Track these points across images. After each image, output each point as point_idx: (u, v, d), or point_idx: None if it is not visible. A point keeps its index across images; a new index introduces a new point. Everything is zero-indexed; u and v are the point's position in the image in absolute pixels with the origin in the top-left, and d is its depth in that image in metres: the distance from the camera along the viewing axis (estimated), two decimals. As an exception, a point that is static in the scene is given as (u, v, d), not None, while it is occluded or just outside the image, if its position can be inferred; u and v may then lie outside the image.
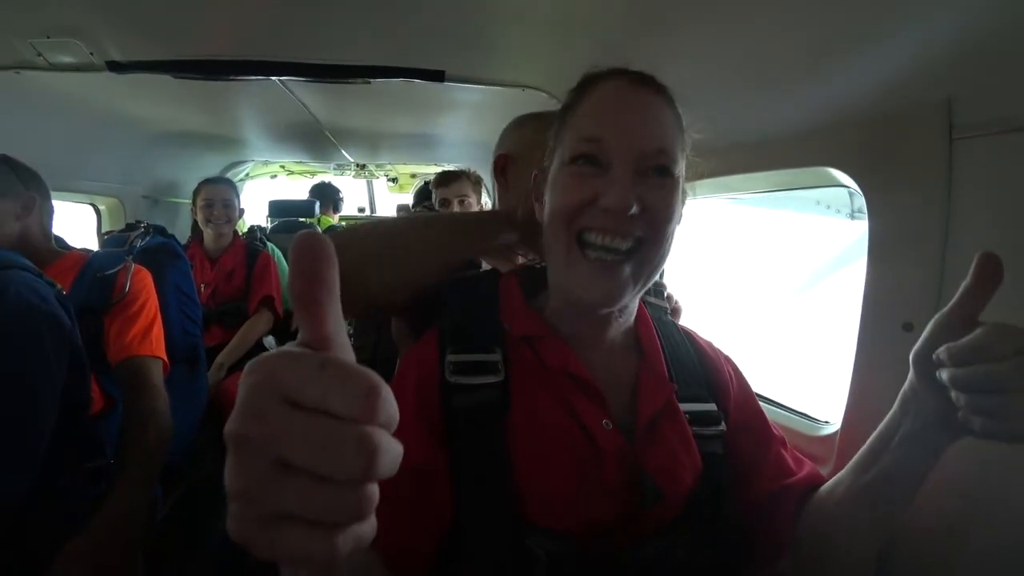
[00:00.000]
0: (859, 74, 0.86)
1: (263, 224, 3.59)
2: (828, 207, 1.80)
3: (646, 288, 0.72)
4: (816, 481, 0.76)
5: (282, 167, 4.06)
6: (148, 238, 1.66)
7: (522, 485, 0.64)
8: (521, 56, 1.55)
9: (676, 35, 1.09)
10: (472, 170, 2.46)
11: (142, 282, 1.45)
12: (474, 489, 0.64)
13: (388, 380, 0.87)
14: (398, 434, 0.66)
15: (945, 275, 0.76)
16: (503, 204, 1.00)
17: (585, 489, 0.65)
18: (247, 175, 3.91)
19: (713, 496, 0.71)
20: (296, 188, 4.43)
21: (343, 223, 4.22)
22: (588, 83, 0.71)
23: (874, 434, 0.65)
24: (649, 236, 0.66)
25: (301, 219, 3.62)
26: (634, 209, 0.63)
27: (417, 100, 2.10)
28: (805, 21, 0.88)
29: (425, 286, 0.81)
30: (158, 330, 1.45)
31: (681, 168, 0.68)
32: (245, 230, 3.02)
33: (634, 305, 0.78)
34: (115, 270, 1.41)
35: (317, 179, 4.25)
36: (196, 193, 2.49)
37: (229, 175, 3.50)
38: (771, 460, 0.78)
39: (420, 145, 3.28)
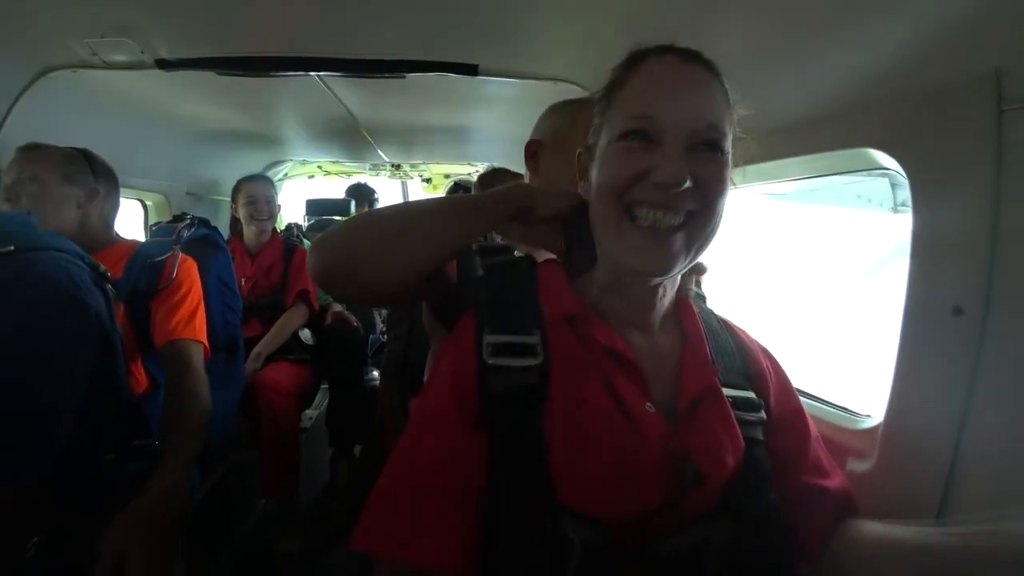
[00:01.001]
0: (898, 45, 0.83)
1: (300, 222, 3.67)
2: (870, 201, 1.75)
3: (694, 261, 0.70)
4: (847, 494, 0.75)
5: (319, 167, 4.15)
6: (193, 229, 1.72)
7: (559, 470, 0.63)
8: (554, 48, 1.56)
9: (710, 19, 1.08)
10: (510, 170, 2.46)
11: (188, 270, 1.51)
12: (510, 473, 0.64)
13: (421, 369, 0.88)
14: (435, 422, 0.68)
15: (996, 258, 0.72)
16: None
17: (625, 474, 0.64)
18: (286, 175, 4.01)
19: (754, 482, 0.69)
20: (333, 188, 4.52)
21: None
22: (636, 60, 0.71)
23: (960, 532, 0.58)
24: (701, 210, 0.65)
25: (337, 217, 3.70)
26: (687, 184, 0.62)
27: (451, 95, 2.13)
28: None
29: (426, 269, 0.78)
30: (201, 316, 1.50)
31: (730, 144, 0.68)
32: (283, 227, 3.11)
33: (678, 283, 0.77)
34: (163, 257, 1.48)
35: (353, 179, 4.33)
36: (237, 190, 2.57)
37: (268, 174, 3.60)
38: (810, 456, 0.76)
39: (453, 143, 3.32)
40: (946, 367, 0.76)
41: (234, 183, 2.66)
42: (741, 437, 0.70)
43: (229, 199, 2.79)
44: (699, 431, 0.68)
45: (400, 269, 0.76)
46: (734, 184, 0.71)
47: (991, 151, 0.71)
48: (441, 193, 4.49)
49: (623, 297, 0.74)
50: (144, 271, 1.44)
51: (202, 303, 1.52)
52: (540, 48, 1.55)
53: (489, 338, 0.69)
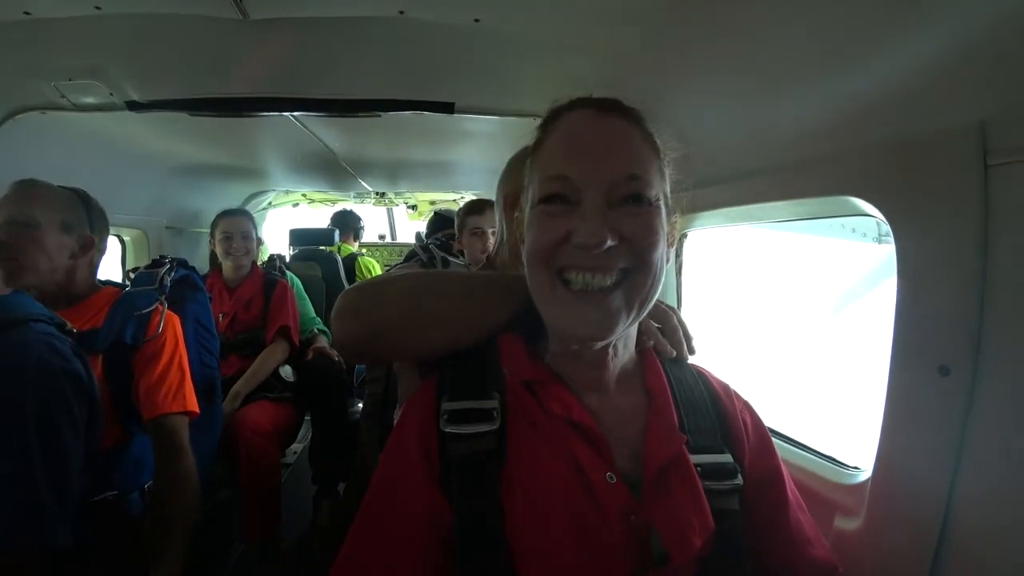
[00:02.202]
0: (883, 94, 0.82)
1: (284, 253, 3.63)
2: (853, 231, 1.74)
3: (639, 318, 0.68)
4: (832, 565, 0.72)
5: (303, 195, 4.13)
6: (174, 273, 1.68)
7: (518, 541, 0.60)
8: (530, 86, 1.55)
9: (686, 58, 1.07)
10: (485, 199, 2.45)
11: (173, 325, 1.47)
12: (468, 542, 0.61)
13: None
14: (402, 482, 0.65)
15: (984, 314, 0.70)
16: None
17: (585, 548, 0.61)
18: (269, 204, 3.99)
19: (729, 558, 0.66)
20: (317, 216, 4.50)
21: (364, 250, 4.28)
22: (553, 118, 0.69)
23: None
24: (635, 265, 0.63)
25: (322, 247, 3.66)
26: (609, 242, 0.60)
27: (429, 130, 2.12)
28: (819, 34, 0.84)
29: (449, 350, 0.76)
30: (188, 383, 1.48)
31: (660, 191, 0.66)
32: (265, 259, 3.07)
33: (631, 342, 0.75)
34: (149, 310, 1.43)
35: (338, 207, 4.31)
36: (214, 225, 2.52)
37: (251, 204, 3.57)
38: (791, 523, 0.73)
39: (436, 174, 3.32)
40: (934, 426, 0.73)
41: (214, 214, 2.62)
42: (710, 513, 0.66)
43: (206, 231, 2.75)
44: (665, 504, 0.65)
45: (425, 351, 0.77)
46: (704, 224, 0.69)
47: (977, 206, 0.69)
48: (423, 221, 4.47)
49: (575, 361, 0.71)
50: (129, 323, 1.40)
51: (186, 363, 1.48)
52: (516, 86, 1.55)
53: (447, 405, 0.67)
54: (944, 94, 0.74)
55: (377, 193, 4.03)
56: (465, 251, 2.33)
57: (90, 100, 1.58)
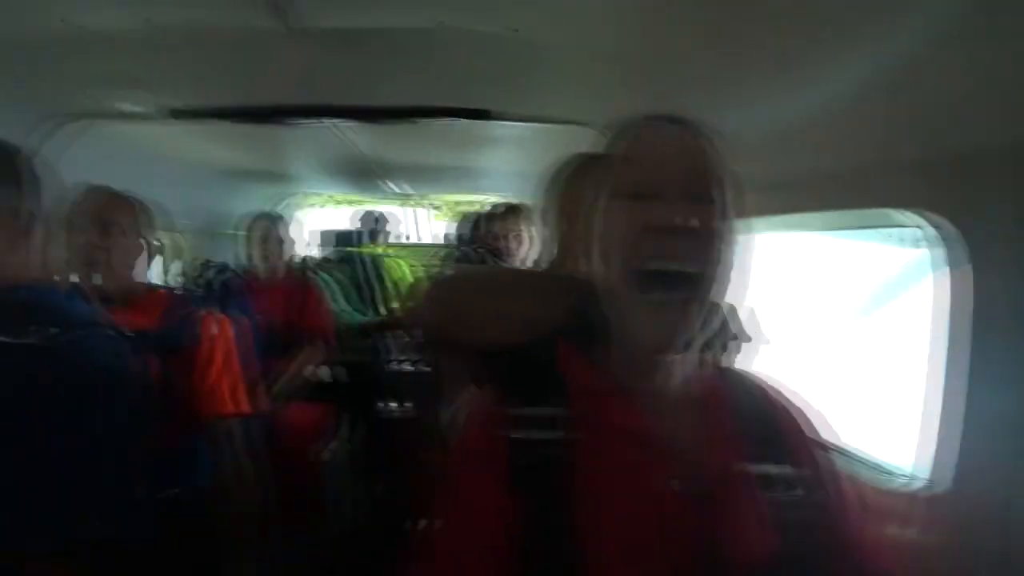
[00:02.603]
0: (957, 100, 0.80)
1: (311, 254, 3.67)
2: (890, 236, 1.71)
3: (706, 331, 0.68)
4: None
5: (329, 197, 4.18)
6: (221, 276, 1.72)
7: (583, 549, 0.61)
8: (566, 92, 1.57)
9: (731, 63, 1.07)
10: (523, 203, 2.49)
11: (224, 330, 1.49)
12: (533, 552, 0.62)
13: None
14: (468, 489, 0.67)
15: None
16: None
17: (648, 557, 0.62)
18: (295, 205, 4.04)
19: (789, 568, 0.66)
20: (343, 216, 4.55)
21: (389, 251, 4.31)
22: (630, 127, 0.72)
23: None
24: (705, 272, 0.64)
25: (348, 248, 3.69)
26: (692, 222, 0.62)
27: (460, 135, 2.15)
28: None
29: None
30: (241, 384, 1.49)
31: (727, 200, 0.66)
32: (296, 261, 3.11)
33: (696, 352, 0.75)
34: (201, 312, 1.46)
35: (363, 208, 4.34)
36: (249, 228, 2.57)
37: (280, 207, 3.63)
38: (853, 535, 0.72)
39: (463, 177, 3.35)
40: (1002, 435, 0.73)
41: (244, 217, 2.67)
42: (774, 522, 0.66)
43: (240, 233, 2.80)
44: (727, 513, 0.65)
45: (493, 340, 0.79)
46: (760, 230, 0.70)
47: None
48: (450, 222, 4.49)
49: (639, 369, 0.71)
50: (183, 325, 1.42)
51: (236, 365, 1.51)
52: (552, 92, 1.56)
53: (512, 410, 0.68)
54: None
55: (402, 195, 4.06)
56: (504, 253, 2.36)
57: (136, 109, 1.62)
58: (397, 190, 3.75)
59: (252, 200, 3.28)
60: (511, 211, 2.35)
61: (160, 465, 1.26)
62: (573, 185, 1.09)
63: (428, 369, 3.18)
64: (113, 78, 1.51)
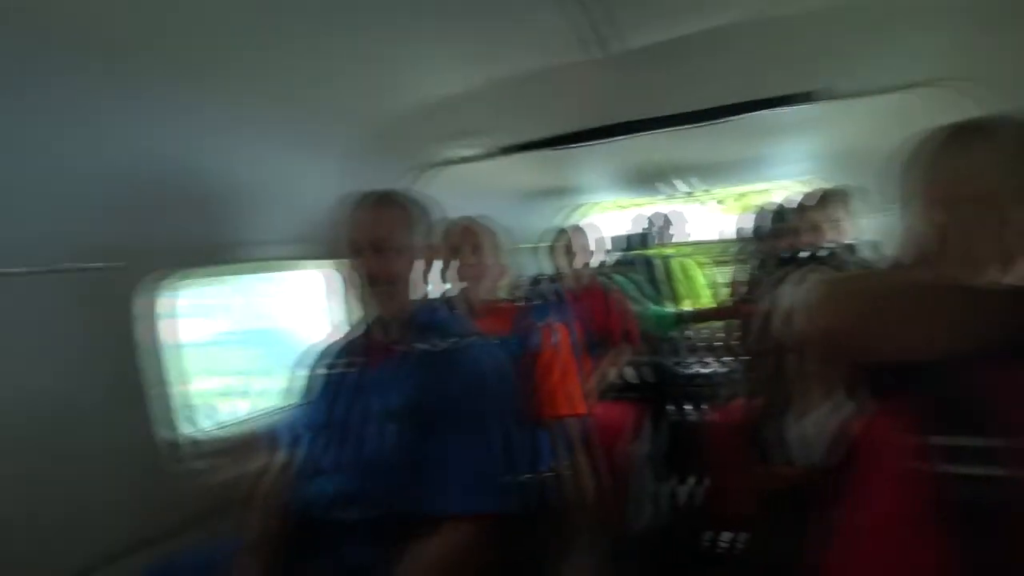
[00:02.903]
0: None
1: (607, 260, 3.83)
2: None
3: None
4: None
5: (614, 202, 4.31)
6: (555, 288, 1.93)
7: None
8: (915, 55, 1.35)
9: None
10: (842, 187, 2.23)
11: (564, 337, 1.68)
12: None
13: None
14: (891, 524, 0.61)
15: None
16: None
17: None
18: (583, 214, 4.27)
19: None
20: (627, 219, 4.66)
21: (679, 250, 4.25)
22: None
23: None
24: None
25: (638, 250, 3.76)
26: None
27: (755, 125, 2.02)
28: None
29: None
30: (578, 388, 1.68)
31: None
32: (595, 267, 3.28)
33: None
34: (546, 322, 1.65)
35: (649, 209, 4.37)
36: (556, 240, 2.80)
37: (573, 217, 3.88)
38: None
39: (750, 166, 3.17)
40: None
41: (543, 231, 2.91)
42: None
43: (540, 246, 3.05)
44: None
45: (892, 354, 0.72)
46: None
47: None
48: (739, 216, 4.23)
49: None
50: (528, 333, 1.63)
51: (574, 370, 1.68)
52: (897, 57, 1.36)
53: (940, 439, 0.60)
54: None
55: (685, 193, 3.98)
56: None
57: (474, 152, 1.92)
58: (681, 189, 3.70)
59: (546, 213, 3.59)
60: (830, 197, 2.10)
61: (519, 453, 1.46)
62: (956, 163, 0.88)
63: (726, 371, 3.06)
64: (459, 129, 1.82)
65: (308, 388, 1.43)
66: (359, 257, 1.26)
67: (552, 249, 2.82)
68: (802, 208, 2.19)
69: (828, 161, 2.80)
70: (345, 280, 1.31)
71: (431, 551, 1.12)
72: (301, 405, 1.43)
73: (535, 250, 3.55)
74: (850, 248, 1.92)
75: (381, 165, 1.86)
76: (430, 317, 1.35)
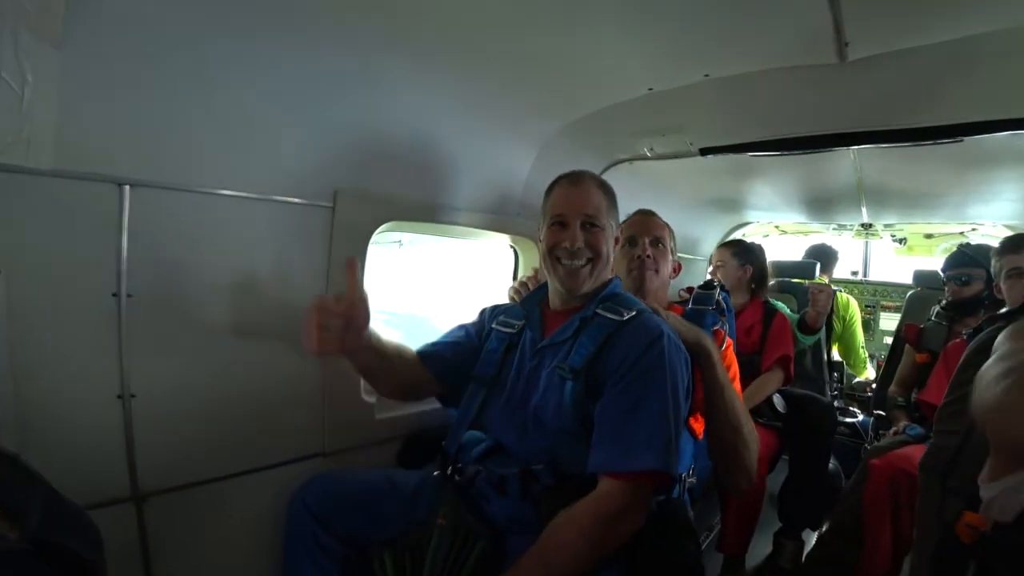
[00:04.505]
0: None
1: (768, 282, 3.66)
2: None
3: None
4: None
5: (776, 227, 4.10)
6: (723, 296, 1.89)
7: None
8: None
9: None
10: None
11: (729, 345, 1.65)
12: None
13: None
14: None
15: None
16: None
17: None
18: (743, 235, 4.10)
19: None
20: (791, 244, 4.41)
21: (834, 286, 3.96)
22: None
23: None
24: None
25: (796, 280, 3.55)
26: None
27: (969, 154, 1.85)
28: None
29: None
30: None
31: None
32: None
33: None
34: (715, 327, 1.62)
35: (814, 239, 4.11)
36: (725, 250, 2.72)
37: (734, 235, 3.75)
38: None
39: (944, 202, 2.88)
40: None
41: (705, 243, 2.84)
42: None
43: (700, 258, 2.99)
44: None
45: None
46: None
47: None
48: (930, 258, 3.83)
49: None
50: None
51: (735, 378, 1.63)
52: None
53: None
54: None
55: (863, 225, 3.68)
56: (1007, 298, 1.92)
57: (670, 151, 1.94)
58: (858, 220, 3.43)
59: (711, 227, 3.50)
60: (1011, 244, 1.89)
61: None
62: None
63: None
64: (663, 127, 1.84)
65: (467, 337, 1.52)
66: (567, 229, 1.33)
67: (718, 260, 2.76)
68: (1003, 250, 1.96)
69: None
70: (543, 249, 1.39)
71: (588, 507, 1.15)
72: (456, 339, 1.53)
73: (692, 261, 3.49)
74: None
75: (575, 153, 1.94)
76: (614, 292, 1.40)
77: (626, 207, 1.68)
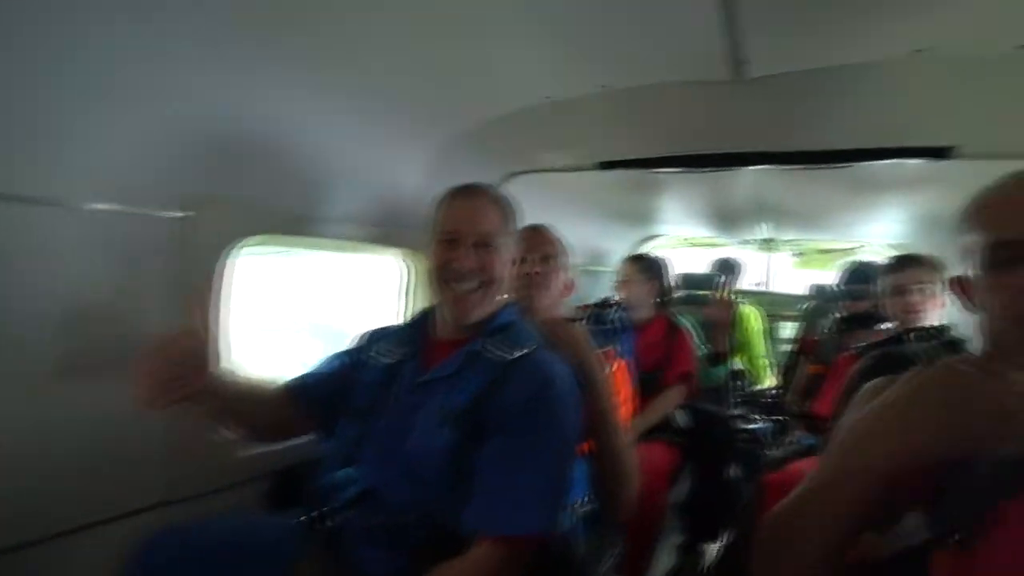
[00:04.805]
0: None
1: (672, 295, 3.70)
2: None
3: None
4: None
5: (685, 240, 4.18)
6: (620, 314, 1.83)
7: None
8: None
9: None
10: (929, 254, 2.10)
11: (621, 370, 1.57)
12: None
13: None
14: None
15: None
16: None
17: None
18: (652, 247, 4.16)
19: None
20: (694, 258, 4.50)
21: (738, 298, 4.08)
22: None
23: None
24: None
25: (701, 292, 3.61)
26: None
27: (863, 177, 1.92)
28: None
29: None
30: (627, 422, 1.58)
31: None
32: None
33: None
34: (606, 349, 1.55)
35: (719, 252, 4.22)
36: (628, 265, 2.68)
37: (641, 248, 3.78)
38: None
39: (841, 222, 3.01)
40: None
41: (613, 255, 2.82)
42: None
43: (605, 269, 2.96)
44: None
45: None
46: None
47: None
48: (825, 271, 4.02)
49: None
50: None
51: (628, 405, 1.57)
52: None
53: None
54: None
55: (764, 240, 3.82)
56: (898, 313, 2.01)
57: (571, 162, 1.86)
58: (759, 235, 3.55)
59: (618, 240, 3.50)
60: (911, 260, 1.99)
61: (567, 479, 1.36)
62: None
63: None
64: (561, 138, 1.76)
65: (341, 367, 1.36)
66: (457, 248, 1.20)
67: (622, 275, 2.73)
68: (888, 269, 2.06)
69: (926, 225, 2.62)
70: (429, 270, 1.25)
71: (461, 570, 1.03)
72: (332, 368, 1.36)
73: (599, 274, 3.48)
74: (938, 331, 1.75)
75: (471, 163, 1.82)
76: (506, 322, 1.27)
77: (528, 220, 1.59)
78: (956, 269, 0.83)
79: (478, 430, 1.12)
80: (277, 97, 1.35)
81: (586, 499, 1.49)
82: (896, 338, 1.66)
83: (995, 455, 0.61)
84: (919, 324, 1.98)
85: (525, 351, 1.20)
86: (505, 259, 1.26)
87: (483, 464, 1.10)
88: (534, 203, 2.32)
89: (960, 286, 0.80)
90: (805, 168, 1.61)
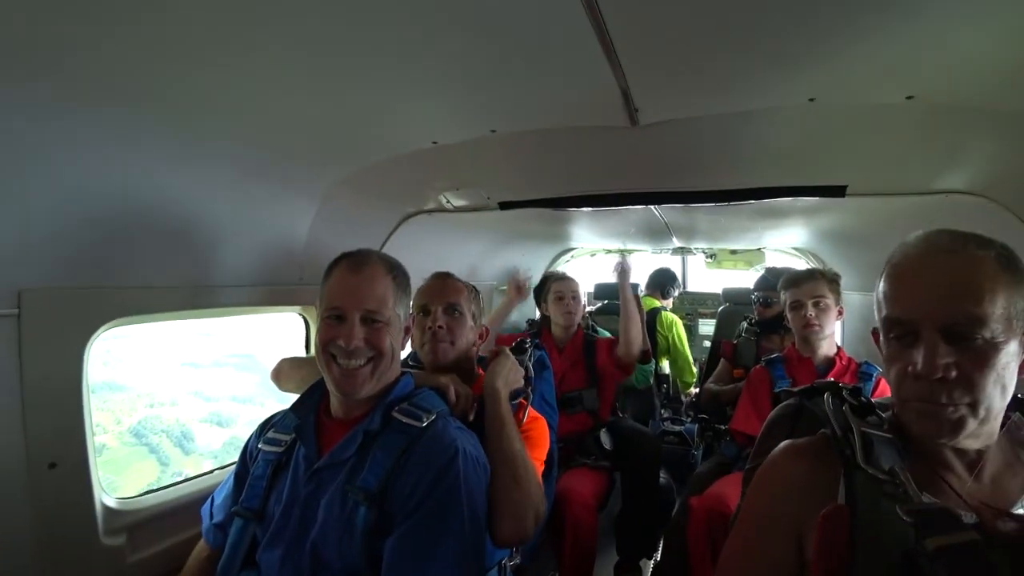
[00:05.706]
0: None
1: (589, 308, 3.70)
2: None
3: None
4: None
5: (605, 250, 4.20)
6: (534, 357, 1.73)
7: None
8: (950, 162, 1.28)
9: None
10: (828, 268, 2.17)
11: (541, 428, 1.48)
12: None
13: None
14: None
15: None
16: None
17: None
18: (571, 257, 4.16)
19: None
20: (605, 265, 4.54)
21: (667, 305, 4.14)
22: None
23: None
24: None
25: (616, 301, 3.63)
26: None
27: (777, 208, 1.96)
28: None
29: None
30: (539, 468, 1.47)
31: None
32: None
33: None
34: (517, 401, 1.44)
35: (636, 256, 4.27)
36: (544, 289, 2.65)
37: (558, 262, 3.76)
38: None
39: (753, 237, 3.14)
40: None
41: (532, 273, 2.77)
42: None
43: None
44: None
45: None
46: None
47: None
48: (735, 271, 4.14)
49: None
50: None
51: (542, 458, 1.48)
52: (912, 164, 1.29)
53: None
54: None
55: (677, 248, 3.92)
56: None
57: (468, 203, 1.79)
58: (678, 244, 3.63)
59: (537, 257, 3.47)
60: (807, 275, 2.09)
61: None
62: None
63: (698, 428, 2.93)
64: (456, 180, 1.68)
65: (243, 467, 1.24)
66: (343, 324, 1.11)
67: (541, 297, 2.69)
68: (785, 284, 2.12)
69: (827, 236, 2.75)
70: (315, 345, 1.16)
71: None
72: (234, 485, 1.24)
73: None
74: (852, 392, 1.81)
75: (363, 208, 1.71)
76: (403, 395, 1.19)
77: (431, 256, 1.50)
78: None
79: (386, 515, 1.05)
80: (135, 165, 1.20)
81: (513, 552, 1.43)
82: (811, 390, 1.69)
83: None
84: (816, 337, 2.07)
85: (434, 417, 1.14)
86: (397, 330, 1.17)
87: (391, 557, 1.02)
88: (435, 239, 2.25)
89: (876, 339, 0.80)
90: (704, 206, 1.60)
